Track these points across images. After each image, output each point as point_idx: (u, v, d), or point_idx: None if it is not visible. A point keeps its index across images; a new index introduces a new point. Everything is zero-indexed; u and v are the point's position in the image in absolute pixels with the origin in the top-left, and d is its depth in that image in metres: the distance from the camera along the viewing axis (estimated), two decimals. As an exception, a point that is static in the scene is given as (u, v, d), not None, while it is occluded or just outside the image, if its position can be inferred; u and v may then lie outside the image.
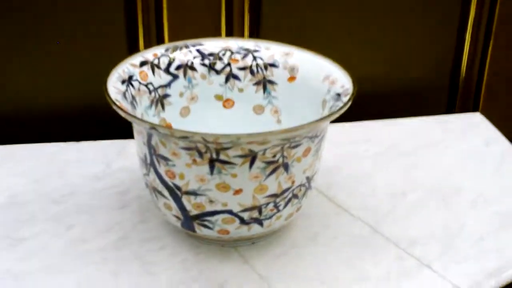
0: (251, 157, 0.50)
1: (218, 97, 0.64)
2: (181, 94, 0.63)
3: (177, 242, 0.59)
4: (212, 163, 0.51)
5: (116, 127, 0.77)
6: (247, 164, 0.51)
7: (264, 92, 0.64)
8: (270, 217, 0.55)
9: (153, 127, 0.49)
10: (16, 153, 0.71)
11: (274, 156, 0.51)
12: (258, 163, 0.51)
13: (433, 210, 0.64)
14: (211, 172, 0.51)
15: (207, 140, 0.48)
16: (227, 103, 0.64)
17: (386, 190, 0.67)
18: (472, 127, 0.78)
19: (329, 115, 0.51)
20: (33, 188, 0.65)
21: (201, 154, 0.50)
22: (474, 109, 0.85)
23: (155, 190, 0.55)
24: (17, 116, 0.75)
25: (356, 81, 0.56)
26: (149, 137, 0.52)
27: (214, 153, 0.50)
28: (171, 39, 0.72)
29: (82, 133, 0.76)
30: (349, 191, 0.66)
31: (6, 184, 0.66)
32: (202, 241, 0.58)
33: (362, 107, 0.77)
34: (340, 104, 0.54)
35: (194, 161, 0.51)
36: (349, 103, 0.54)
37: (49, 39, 0.72)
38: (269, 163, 0.51)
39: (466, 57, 0.82)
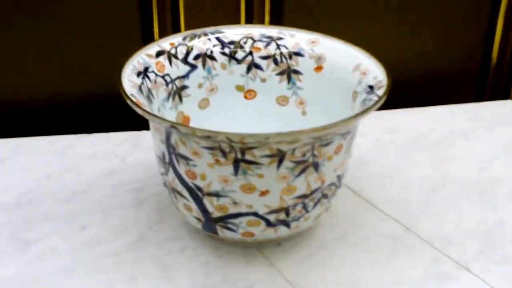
0: (279, 157, 0.47)
1: (239, 88, 0.60)
2: (200, 85, 0.59)
3: (198, 243, 0.55)
4: (236, 163, 0.47)
5: (130, 117, 0.74)
6: (275, 164, 0.47)
7: (288, 82, 0.60)
8: (298, 219, 0.51)
9: (173, 125, 0.45)
10: (26, 146, 0.67)
11: (304, 155, 0.47)
12: (286, 163, 0.47)
13: (467, 206, 0.60)
14: (236, 173, 0.47)
15: (232, 140, 0.45)
16: (249, 94, 0.60)
17: (416, 184, 0.63)
18: (504, 115, 0.74)
19: (364, 111, 0.48)
20: (44, 185, 0.62)
21: (224, 154, 0.47)
22: (504, 97, 0.80)
23: (174, 190, 0.52)
24: (27, 107, 0.72)
25: (389, 72, 0.52)
26: (168, 135, 0.48)
27: (239, 153, 0.46)
28: (187, 27, 0.68)
29: (95, 125, 0.73)
30: (377, 186, 0.62)
31: (16, 180, 0.62)
32: (224, 242, 0.55)
33: (388, 95, 0.73)
34: (375, 97, 0.50)
35: (217, 161, 0.47)
36: (385, 97, 0.50)
37: (60, 26, 0.68)
38: (298, 162, 0.47)
39: (498, 42, 0.77)
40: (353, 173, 0.63)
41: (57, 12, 0.67)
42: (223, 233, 0.52)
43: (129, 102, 0.48)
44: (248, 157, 0.46)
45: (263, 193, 0.48)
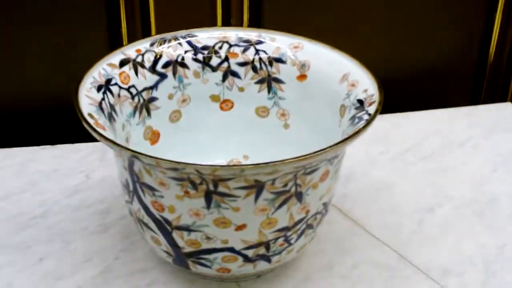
0: (257, 189, 0.41)
1: (215, 98, 0.54)
2: (171, 96, 0.53)
3: (168, 276, 0.50)
4: (208, 195, 0.41)
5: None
6: (252, 197, 0.41)
7: (269, 92, 0.54)
8: (280, 252, 0.45)
9: (134, 155, 0.39)
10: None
11: (286, 185, 0.42)
12: (265, 195, 0.41)
13: (465, 228, 0.55)
14: (208, 206, 0.42)
15: (202, 173, 0.39)
16: (225, 104, 0.54)
17: (410, 203, 0.57)
18: (503, 120, 0.68)
19: (353, 134, 0.42)
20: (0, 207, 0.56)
21: (195, 186, 0.41)
22: (501, 98, 0.75)
23: (140, 221, 0.46)
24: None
25: (381, 84, 0.47)
26: (131, 163, 0.42)
27: (211, 185, 0.40)
28: (158, 29, 0.61)
29: (59, 135, 0.67)
30: (367, 205, 0.57)
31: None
32: (198, 276, 0.49)
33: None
34: (365, 116, 0.44)
35: (187, 193, 0.41)
36: (376, 116, 0.44)
37: (18, 26, 0.61)
38: (279, 193, 0.42)
39: (495, 41, 0.71)
40: (340, 190, 0.57)
41: (17, 15, 0.61)
42: (196, 268, 0.46)
43: (85, 124, 0.42)
44: (221, 189, 0.41)
45: (240, 228, 0.43)
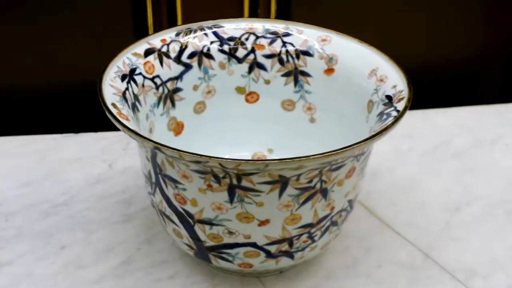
0: (282, 184, 0.40)
1: (240, 90, 0.53)
2: (196, 88, 0.52)
3: (190, 269, 0.49)
4: (232, 190, 0.40)
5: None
6: (276, 192, 0.40)
7: (295, 85, 0.53)
8: (303, 249, 0.45)
9: (157, 147, 0.39)
10: (1, 147, 0.61)
11: (310, 181, 0.41)
12: (290, 190, 0.41)
13: (493, 229, 0.54)
14: (231, 201, 0.41)
15: (226, 167, 0.38)
16: (251, 97, 0.53)
17: (437, 202, 0.56)
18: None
19: (381, 131, 0.41)
20: (19, 195, 0.56)
21: (218, 179, 0.40)
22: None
23: (162, 213, 0.45)
24: (5, 102, 0.65)
25: (410, 81, 0.45)
26: (154, 154, 0.42)
27: (234, 179, 0.40)
28: (184, 20, 0.61)
29: (82, 123, 0.66)
30: (392, 203, 0.56)
31: (-8, 188, 0.56)
32: (220, 270, 0.49)
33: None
34: (393, 113, 0.43)
35: (209, 186, 0.41)
36: (405, 112, 0.43)
37: (46, 18, 0.61)
38: (304, 189, 0.41)
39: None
40: (366, 187, 0.56)
41: (43, 2, 0.60)
42: (217, 262, 0.45)
43: (108, 114, 0.42)
44: (245, 183, 0.40)
45: (263, 223, 0.42)
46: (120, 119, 0.41)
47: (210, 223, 0.42)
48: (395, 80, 0.46)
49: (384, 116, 0.44)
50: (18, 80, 0.65)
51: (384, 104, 0.45)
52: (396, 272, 0.49)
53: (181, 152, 0.38)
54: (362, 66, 0.49)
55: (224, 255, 0.44)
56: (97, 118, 0.67)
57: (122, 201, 0.55)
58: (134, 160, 0.60)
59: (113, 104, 0.43)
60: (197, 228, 0.43)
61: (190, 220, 0.43)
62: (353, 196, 0.45)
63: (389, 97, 0.45)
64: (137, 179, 0.58)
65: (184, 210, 0.43)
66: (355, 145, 0.39)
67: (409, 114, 0.66)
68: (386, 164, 0.59)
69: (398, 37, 0.67)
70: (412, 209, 0.55)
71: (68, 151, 0.61)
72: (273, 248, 0.44)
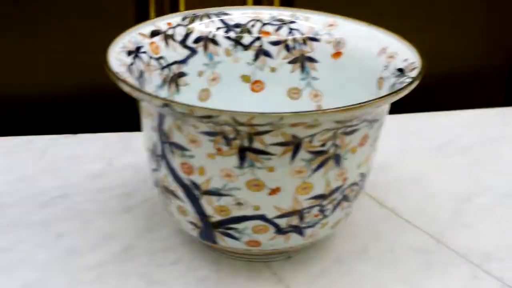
0: (294, 146, 0.39)
1: (245, 78, 0.52)
2: (201, 73, 0.51)
3: (193, 255, 0.47)
4: (242, 153, 0.39)
5: (120, 117, 0.66)
6: (289, 155, 0.39)
7: (301, 72, 0.52)
8: (314, 225, 0.43)
9: (167, 103, 0.37)
10: (0, 146, 0.59)
11: (324, 144, 0.39)
12: (302, 154, 0.39)
13: (506, 216, 0.52)
14: (241, 165, 0.39)
15: (239, 121, 0.37)
16: (256, 85, 0.52)
17: (446, 192, 0.54)
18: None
19: (398, 90, 0.40)
20: (17, 188, 0.54)
21: (228, 141, 0.39)
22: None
23: (166, 190, 0.43)
24: (2, 103, 0.64)
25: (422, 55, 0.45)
26: (161, 120, 0.40)
27: (246, 140, 0.38)
28: (187, 7, 0.60)
29: (80, 125, 0.65)
30: (402, 194, 0.54)
31: (-14, 182, 0.54)
32: (224, 254, 0.46)
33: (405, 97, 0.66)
34: (407, 80, 0.42)
35: (219, 150, 0.39)
36: (419, 79, 0.42)
37: (42, 6, 0.61)
38: (317, 153, 0.39)
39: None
40: (373, 180, 0.55)
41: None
42: (223, 241, 0.43)
43: (115, 78, 0.41)
44: (256, 145, 0.38)
45: (274, 191, 0.40)
46: (128, 80, 0.40)
47: (217, 193, 0.41)
48: (406, 55, 0.45)
49: (397, 85, 0.43)
50: (17, 82, 0.64)
51: (396, 77, 0.44)
52: (408, 257, 0.47)
53: (192, 107, 0.37)
54: (371, 46, 0.48)
55: (231, 232, 0.42)
56: (95, 122, 0.66)
57: (122, 194, 0.54)
58: (134, 158, 0.58)
59: (119, 73, 0.42)
60: (204, 201, 0.41)
61: (197, 192, 0.41)
62: (365, 170, 0.44)
63: (400, 70, 0.44)
64: (137, 174, 0.56)
65: (190, 181, 0.41)
66: (372, 101, 0.38)
67: (415, 115, 0.66)
68: (393, 159, 0.58)
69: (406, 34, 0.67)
70: (421, 199, 0.54)
71: (67, 149, 0.59)
72: (283, 222, 0.42)
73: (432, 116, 0.66)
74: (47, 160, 0.58)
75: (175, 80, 0.49)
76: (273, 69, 0.52)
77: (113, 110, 0.66)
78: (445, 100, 0.70)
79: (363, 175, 0.44)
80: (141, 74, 0.46)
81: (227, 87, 0.52)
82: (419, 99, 0.69)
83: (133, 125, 0.59)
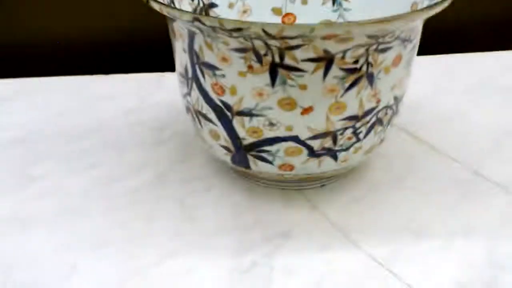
0: (326, 61, 0.38)
1: (276, 11, 0.52)
2: (231, 5, 0.50)
3: (226, 183, 0.47)
4: (274, 70, 0.38)
5: (152, 59, 0.66)
6: (321, 72, 0.38)
7: (333, 3, 0.51)
8: (347, 148, 0.42)
9: (196, 17, 0.37)
10: (39, 86, 0.60)
11: (356, 61, 0.38)
12: (335, 71, 0.38)
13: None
14: (273, 83, 0.39)
15: (269, 34, 0.36)
16: (287, 18, 0.52)
17: (484, 128, 0.53)
18: None
19: (431, 6, 0.38)
20: (54, 122, 0.54)
21: (259, 57, 0.38)
22: None
23: (198, 113, 0.43)
24: (41, 47, 0.65)
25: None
26: (191, 39, 0.40)
27: (276, 56, 0.38)
28: None
29: (113, 67, 0.65)
30: (438, 129, 0.53)
31: (26, 117, 0.55)
32: (257, 182, 0.46)
33: (439, 38, 0.65)
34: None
35: (250, 67, 0.39)
36: (455, -4, 0.41)
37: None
38: (349, 71, 0.39)
39: None
40: (408, 116, 0.54)
41: None
42: (256, 166, 0.43)
43: (145, -1, 0.40)
44: (288, 61, 0.38)
45: (306, 111, 0.40)
46: (158, -1, 0.40)
47: (250, 113, 0.40)
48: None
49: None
50: (55, 27, 0.64)
51: (430, 0, 0.43)
52: (445, 187, 0.47)
53: (221, 19, 0.36)
54: (405, -29, 0.47)
55: (264, 155, 0.42)
56: (128, 63, 0.66)
57: (155, 127, 0.54)
58: (167, 95, 0.58)
59: (149, -4, 0.42)
60: (236, 122, 0.41)
61: (229, 114, 0.41)
62: (399, 93, 0.43)
63: (435, -7, 0.43)
64: (170, 110, 0.56)
65: (222, 102, 0.41)
66: (405, 14, 0.37)
67: (449, 56, 0.65)
68: (428, 99, 0.57)
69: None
70: (457, 134, 0.52)
71: (100, 88, 0.60)
72: (316, 144, 0.41)
73: (468, 57, 0.64)
74: (80, 97, 0.58)
75: (205, 10, 0.49)
76: (304, 1, 0.51)
77: (145, 52, 0.66)
78: (478, 43, 0.69)
79: (396, 99, 0.43)
80: (171, 1, 0.46)
81: (257, 19, 0.51)
82: (455, 41, 0.67)
83: (165, 66, 0.59)
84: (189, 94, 0.43)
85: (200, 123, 0.44)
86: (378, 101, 0.41)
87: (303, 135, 0.41)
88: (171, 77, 0.60)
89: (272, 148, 0.42)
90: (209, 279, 0.39)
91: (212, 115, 0.42)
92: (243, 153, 0.43)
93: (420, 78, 0.58)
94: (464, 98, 0.58)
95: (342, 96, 0.40)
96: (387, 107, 0.42)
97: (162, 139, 0.52)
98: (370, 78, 0.40)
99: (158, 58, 0.64)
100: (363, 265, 0.40)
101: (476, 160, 0.49)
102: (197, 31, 0.39)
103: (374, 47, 0.38)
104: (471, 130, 0.53)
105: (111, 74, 0.62)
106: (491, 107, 0.56)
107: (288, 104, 0.40)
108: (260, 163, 0.43)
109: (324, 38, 0.36)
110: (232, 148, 0.43)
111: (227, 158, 0.44)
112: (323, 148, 0.42)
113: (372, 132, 0.43)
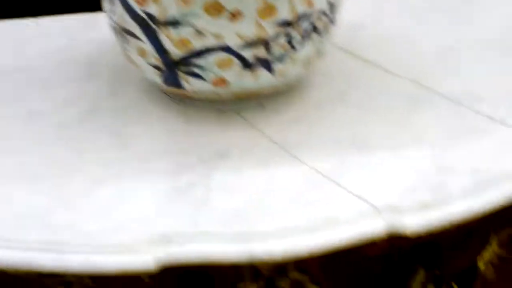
0: (252, -43, 0.36)
1: None
2: None
3: (161, 110, 0.44)
4: (196, -31, 0.36)
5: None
6: (247, -31, 0.36)
7: None
8: (282, 59, 0.40)
9: None
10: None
11: (284, -44, 0.36)
12: (261, -32, 0.36)
13: (493, 65, 0.49)
14: (197, -15, 0.36)
15: None
16: None
17: (429, 44, 0.51)
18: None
19: None
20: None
21: (180, -44, 0.35)
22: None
23: (123, 30, 0.40)
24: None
25: None
26: None
27: (198, -47, 0.35)
28: None
29: (40, 10, 0.62)
30: (380, 47, 0.51)
31: None
32: (193, 106, 0.44)
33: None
34: None
35: (172, -30, 0.36)
36: None
37: None
38: (277, -32, 0.36)
39: None
40: (348, 34, 0.51)
41: None
42: (189, 84, 0.40)
43: None
44: (210, -42, 0.35)
45: (234, 16, 0.37)
46: None
47: (175, 22, 0.38)
48: None
49: None
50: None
51: None
52: (390, 100, 0.45)
53: None
54: None
55: (195, 69, 0.39)
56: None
57: (84, 63, 0.50)
58: (97, 34, 0.55)
59: None
60: (162, 34, 0.38)
61: (154, 26, 0.38)
62: (334, -2, 0.41)
63: None
64: (100, 47, 0.53)
65: (145, 13, 0.38)
66: None
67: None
68: (369, 19, 0.55)
69: None
70: (402, 51, 0.50)
71: (28, 31, 0.56)
72: (248, 53, 0.39)
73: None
74: (8, 42, 0.54)
75: None
76: None
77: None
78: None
79: (331, 5, 0.41)
80: None
81: None
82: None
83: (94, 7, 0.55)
84: (113, 12, 0.40)
85: (126, 41, 0.41)
86: (311, 5, 0.39)
87: (233, 43, 0.38)
88: (101, 17, 0.57)
89: (203, 61, 0.39)
90: (145, 202, 0.37)
91: (137, 30, 0.39)
92: (174, 69, 0.40)
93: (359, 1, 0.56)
94: (407, 17, 0.56)
95: (271, -3, 0.37)
96: (322, 13, 0.40)
97: (93, 73, 0.49)
98: (301, -23, 0.37)
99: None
100: (308, 179, 0.38)
101: (423, 75, 0.47)
102: None
103: None
104: (414, 46, 0.51)
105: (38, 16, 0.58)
106: (434, 26, 0.54)
107: (214, 8, 0.37)
108: (192, 80, 0.40)
109: None
110: (161, 65, 0.40)
111: (159, 79, 0.41)
112: (257, 59, 0.39)
113: (308, 41, 0.40)
